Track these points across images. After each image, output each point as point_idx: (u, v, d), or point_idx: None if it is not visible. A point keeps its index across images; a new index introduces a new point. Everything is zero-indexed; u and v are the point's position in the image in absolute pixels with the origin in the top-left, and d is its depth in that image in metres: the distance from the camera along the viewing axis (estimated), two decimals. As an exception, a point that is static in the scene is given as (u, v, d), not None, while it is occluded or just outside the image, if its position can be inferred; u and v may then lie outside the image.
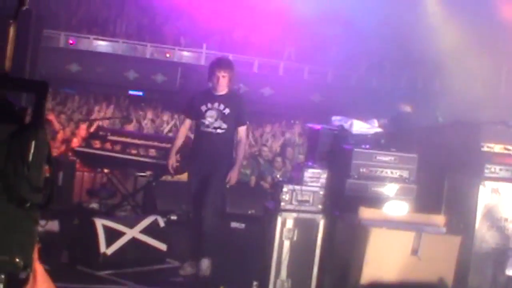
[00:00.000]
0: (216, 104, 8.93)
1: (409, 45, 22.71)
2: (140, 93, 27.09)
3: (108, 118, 17.10)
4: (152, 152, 12.45)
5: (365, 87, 25.86)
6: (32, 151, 3.15)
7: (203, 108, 8.96)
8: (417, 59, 23.77)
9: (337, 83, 27.58)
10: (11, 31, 3.41)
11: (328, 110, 12.39)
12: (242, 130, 9.09)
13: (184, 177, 10.94)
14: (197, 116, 9.05)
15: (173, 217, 10.98)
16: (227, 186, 9.23)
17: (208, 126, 8.92)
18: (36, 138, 3.20)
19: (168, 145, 10.87)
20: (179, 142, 9.41)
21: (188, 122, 9.41)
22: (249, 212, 11.55)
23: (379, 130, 9.18)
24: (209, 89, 9.08)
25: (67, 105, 21.27)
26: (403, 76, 26.74)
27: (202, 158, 8.99)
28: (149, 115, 20.71)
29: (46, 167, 3.34)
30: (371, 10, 21.21)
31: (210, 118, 8.89)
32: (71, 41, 26.61)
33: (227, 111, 8.90)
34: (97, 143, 11.78)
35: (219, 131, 8.90)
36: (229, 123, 8.94)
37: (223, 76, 8.92)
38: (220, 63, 9.12)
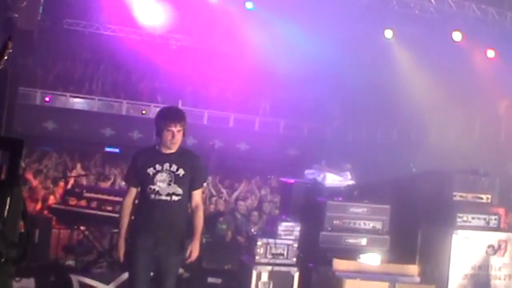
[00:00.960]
0: (167, 165, 7.05)
1: (385, 97, 23.04)
2: (117, 150, 27.06)
3: (84, 175, 17.05)
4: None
5: (340, 140, 26.06)
6: (7, 207, 3.22)
7: (151, 171, 7.02)
8: (392, 111, 24.08)
9: (312, 137, 27.76)
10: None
11: (305, 163, 12.52)
12: (198, 194, 7.26)
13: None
14: (144, 182, 7.06)
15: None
16: (187, 262, 7.41)
17: (159, 193, 6.99)
18: (11, 194, 3.27)
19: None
20: (125, 221, 7.23)
21: (133, 191, 7.19)
22: (226, 267, 11.53)
23: (351, 182, 9.30)
24: (155, 147, 7.21)
25: (44, 163, 21.20)
26: (379, 128, 26.99)
27: (152, 232, 7.01)
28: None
29: (21, 223, 3.40)
30: (346, 65, 21.56)
31: (161, 183, 7.01)
32: (47, 99, 26.70)
33: (181, 172, 7.06)
34: (73, 200, 11.76)
35: (174, 198, 7.01)
36: (184, 187, 7.07)
37: (178, 131, 7.04)
38: (173, 115, 7.14)
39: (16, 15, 10.06)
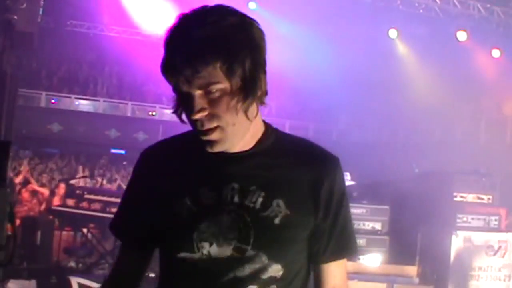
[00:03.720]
0: (228, 190, 2.64)
1: (389, 97, 22.99)
2: (122, 152, 27.10)
3: (88, 177, 17.11)
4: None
5: (346, 140, 26.03)
6: (-8, 209, 3.22)
7: (185, 207, 2.60)
8: (397, 111, 24.03)
9: (318, 137, 27.70)
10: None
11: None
12: (338, 270, 3.32)
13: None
14: (166, 238, 2.69)
15: (151, 275, 10.94)
16: None
17: (208, 274, 2.46)
18: (-4, 196, 3.28)
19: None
20: None
21: (131, 255, 2.76)
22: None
23: (351, 183, 9.30)
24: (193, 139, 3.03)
25: (49, 165, 21.28)
26: (384, 128, 26.93)
27: None
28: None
29: (8, 225, 3.40)
30: (350, 65, 21.52)
31: (213, 241, 2.47)
32: (52, 101, 26.76)
33: (276, 208, 2.49)
34: (74, 202, 11.81)
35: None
36: (287, 255, 2.38)
37: (206, 92, 2.96)
38: (182, 48, 2.55)
39: (16, 17, 10.07)
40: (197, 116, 2.13)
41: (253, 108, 2.25)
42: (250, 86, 2.18)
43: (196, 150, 2.28)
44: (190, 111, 2.14)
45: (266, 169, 2.32)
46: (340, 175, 2.47)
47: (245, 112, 2.20)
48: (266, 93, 2.30)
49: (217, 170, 2.30)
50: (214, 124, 2.15)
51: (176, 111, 2.25)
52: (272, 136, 2.43)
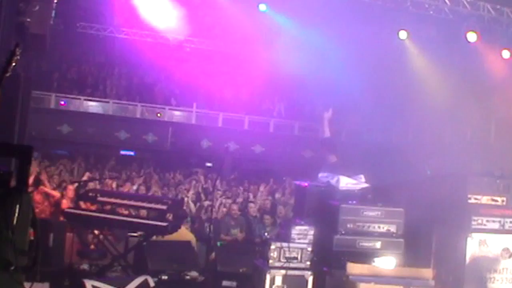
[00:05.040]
0: None
1: (399, 98, 22.93)
2: (132, 153, 27.14)
3: (99, 179, 17.10)
4: (143, 212, 12.45)
5: (355, 141, 25.97)
6: (16, 215, 3.21)
7: None
8: (407, 112, 23.98)
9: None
10: (-4, 95, 3.50)
11: (320, 165, 12.44)
12: None
13: (174, 236, 10.95)
14: None
15: (164, 277, 10.93)
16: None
17: None
18: (20, 202, 3.26)
19: (158, 206, 10.90)
20: None
21: None
22: (241, 270, 11.53)
23: (365, 185, 9.24)
24: None
25: (59, 167, 21.28)
26: (393, 129, 26.87)
27: None
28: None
29: (31, 230, 3.39)
30: (360, 66, 21.47)
31: None
32: (62, 102, 26.78)
33: None
34: (87, 205, 11.79)
35: None
36: None
37: None
38: None
39: (29, 20, 10.08)
40: None
41: None
42: None
43: None
44: None
45: None
46: None
47: None
48: None
49: None
50: None
51: None
52: None
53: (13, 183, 3.45)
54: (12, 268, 3.25)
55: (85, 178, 16.25)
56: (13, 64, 3.68)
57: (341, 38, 21.05)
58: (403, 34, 20.72)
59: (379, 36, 21.00)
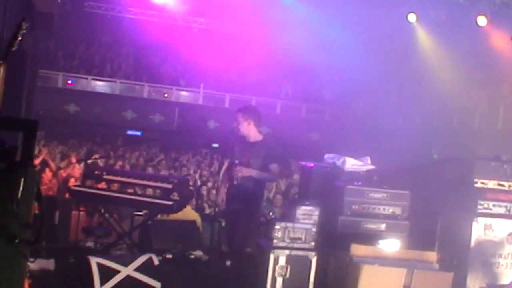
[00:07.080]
0: None
1: (407, 82, 22.86)
2: (138, 133, 27.15)
3: (105, 157, 17.12)
4: (149, 191, 12.48)
5: (362, 125, 25.91)
6: (21, 188, 3.21)
7: None
8: (415, 96, 23.91)
9: (334, 121, 27.63)
10: (1, 71, 3.49)
11: (326, 148, 12.44)
12: None
13: (180, 215, 10.96)
14: None
15: (169, 256, 10.96)
16: None
17: None
18: (25, 175, 3.26)
19: (164, 185, 10.91)
20: None
21: None
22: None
23: (371, 167, 9.22)
24: None
25: (65, 145, 21.32)
26: (401, 113, 26.82)
27: None
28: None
29: (35, 204, 3.39)
30: (368, 49, 21.40)
31: None
32: (69, 82, 26.80)
33: None
34: (92, 182, 11.80)
35: None
36: None
37: None
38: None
39: (36, -2, 10.06)
40: None
41: None
42: None
43: None
44: None
45: None
46: None
47: None
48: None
49: None
50: None
51: None
52: None
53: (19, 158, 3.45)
54: (17, 241, 3.25)
55: (93, 157, 16.25)
56: (19, 38, 3.66)
57: (349, 20, 20.97)
58: (412, 17, 20.59)
59: (388, 18, 20.85)
